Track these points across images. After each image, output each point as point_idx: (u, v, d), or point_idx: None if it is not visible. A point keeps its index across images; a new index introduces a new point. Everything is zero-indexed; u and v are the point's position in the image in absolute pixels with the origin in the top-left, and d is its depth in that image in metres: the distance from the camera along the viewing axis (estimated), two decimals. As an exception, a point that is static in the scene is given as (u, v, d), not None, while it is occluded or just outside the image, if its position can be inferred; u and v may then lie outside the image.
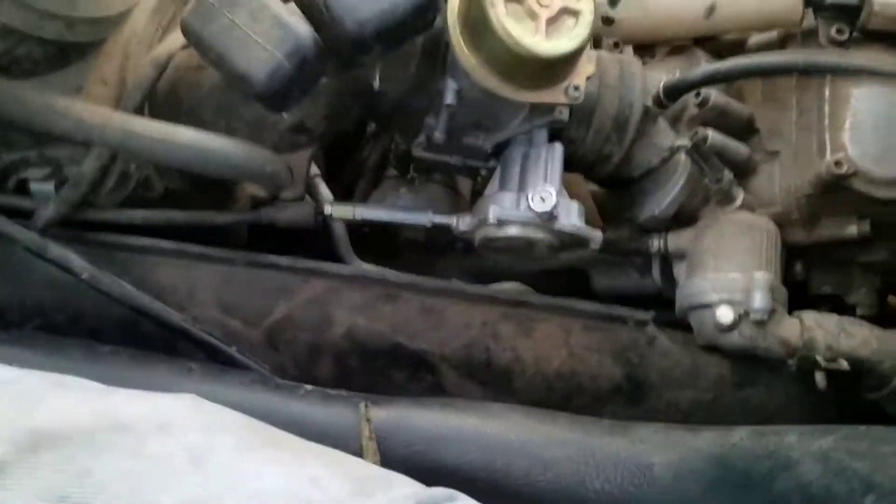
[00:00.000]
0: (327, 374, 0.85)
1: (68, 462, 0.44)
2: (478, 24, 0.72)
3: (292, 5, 0.73)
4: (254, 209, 0.91)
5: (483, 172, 0.93)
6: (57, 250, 0.80)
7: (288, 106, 0.74)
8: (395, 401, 0.75)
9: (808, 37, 0.89)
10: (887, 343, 0.80)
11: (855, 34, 0.86)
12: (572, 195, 0.97)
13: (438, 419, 0.72)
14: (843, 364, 0.78)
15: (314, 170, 0.97)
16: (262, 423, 0.56)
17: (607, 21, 0.90)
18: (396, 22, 0.70)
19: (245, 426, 0.54)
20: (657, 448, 0.69)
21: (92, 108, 0.77)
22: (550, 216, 0.77)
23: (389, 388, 0.85)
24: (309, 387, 0.76)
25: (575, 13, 0.73)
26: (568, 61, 0.74)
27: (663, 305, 0.92)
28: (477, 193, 1.07)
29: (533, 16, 0.72)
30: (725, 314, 0.80)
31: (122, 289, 0.80)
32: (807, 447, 0.64)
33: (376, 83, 0.76)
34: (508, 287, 1.04)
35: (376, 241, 1.05)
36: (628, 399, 0.87)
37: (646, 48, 0.98)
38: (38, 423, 0.46)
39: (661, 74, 0.90)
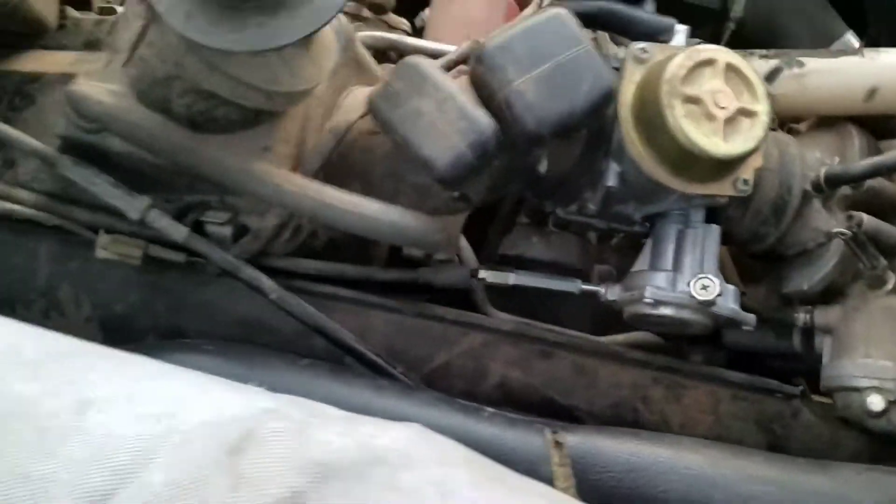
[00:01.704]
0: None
1: (347, 496, 0.44)
2: (652, 121, 0.72)
3: (474, 96, 0.74)
4: (409, 266, 0.93)
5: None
6: (249, 271, 0.83)
7: (462, 187, 0.75)
8: (580, 428, 0.75)
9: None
10: None
11: None
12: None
13: (632, 448, 0.72)
14: None
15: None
16: (479, 455, 0.56)
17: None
18: (574, 122, 0.71)
19: (469, 460, 0.54)
20: (864, 489, 0.69)
21: (288, 176, 0.79)
22: (711, 303, 0.76)
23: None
24: (491, 409, 0.76)
25: (751, 114, 0.71)
26: (741, 160, 0.72)
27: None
28: (602, 240, 1.07)
29: (710, 117, 0.71)
30: (876, 402, 0.79)
31: (304, 309, 0.83)
32: None
33: (543, 167, 0.76)
34: (638, 336, 1.03)
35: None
36: None
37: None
38: (318, 456, 0.46)
39: (816, 153, 0.88)
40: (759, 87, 0.72)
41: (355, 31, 1.07)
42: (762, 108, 0.71)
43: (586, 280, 0.90)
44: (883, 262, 0.83)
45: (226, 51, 0.67)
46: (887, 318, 0.83)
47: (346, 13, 1.13)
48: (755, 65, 0.88)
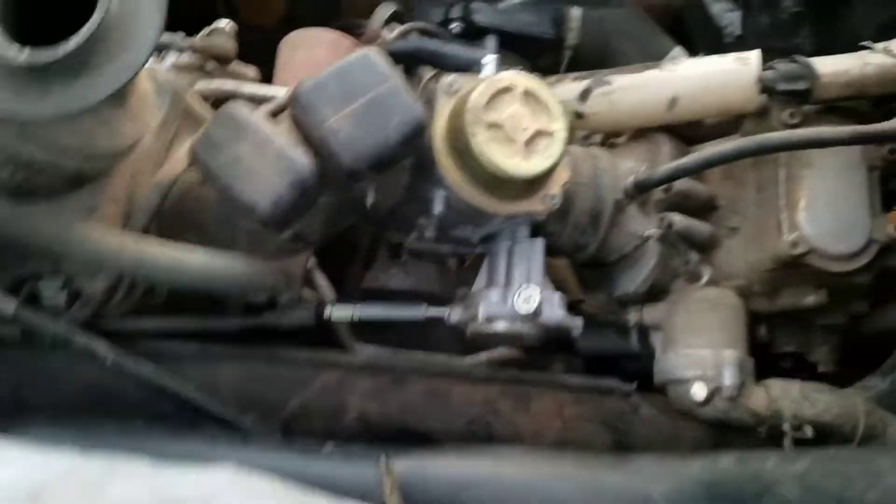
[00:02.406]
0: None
1: None
2: (461, 148, 0.75)
3: (294, 135, 0.75)
4: (254, 312, 0.92)
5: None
6: (82, 339, 0.80)
7: (289, 227, 0.76)
8: (413, 452, 0.76)
9: (763, 115, 0.93)
10: (847, 406, 0.83)
11: (810, 112, 0.90)
12: (552, 267, 1.00)
13: (456, 465, 0.74)
14: (809, 431, 0.81)
15: (311, 262, 0.99)
16: (296, 487, 0.57)
17: (578, 115, 0.93)
18: (388, 154, 0.72)
19: (281, 492, 0.55)
20: (654, 478, 0.72)
21: (106, 235, 0.77)
22: (535, 313, 0.79)
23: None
24: (330, 447, 0.77)
25: (549, 134, 0.75)
26: (545, 177, 0.76)
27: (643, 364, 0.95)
28: (461, 263, 1.10)
29: (511, 140, 0.74)
30: (699, 391, 0.83)
31: (143, 370, 0.81)
32: (785, 470, 0.69)
33: (370, 200, 0.78)
34: (501, 353, 1.06)
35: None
36: None
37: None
38: None
39: (629, 162, 0.93)
40: (556, 108, 0.76)
41: (192, 82, 1.07)
42: (559, 127, 0.75)
43: (450, 304, 0.91)
44: (695, 257, 0.88)
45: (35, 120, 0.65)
46: (704, 310, 0.88)
47: (188, 66, 1.12)
48: (569, 87, 0.94)
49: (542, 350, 0.99)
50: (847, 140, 0.82)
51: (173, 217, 0.84)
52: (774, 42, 1.02)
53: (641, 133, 0.98)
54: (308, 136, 0.74)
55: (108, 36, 0.64)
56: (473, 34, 1.16)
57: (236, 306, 0.97)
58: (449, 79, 0.79)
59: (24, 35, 0.63)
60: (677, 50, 1.22)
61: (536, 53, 1.22)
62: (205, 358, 0.87)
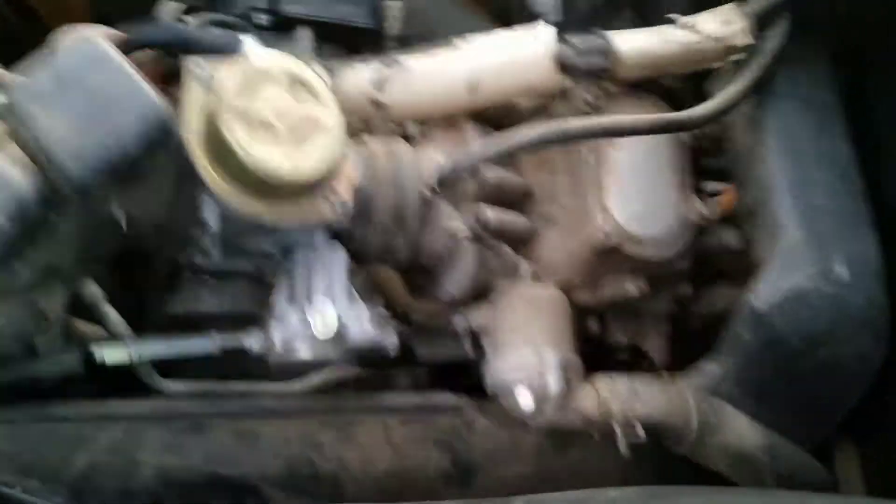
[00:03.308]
0: (146, 517, 0.74)
1: None
2: (220, 148, 0.62)
3: (13, 150, 0.60)
4: (8, 363, 0.75)
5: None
6: None
7: (14, 262, 0.62)
8: None
9: (568, 97, 0.86)
10: (677, 402, 0.77)
11: (613, 91, 0.83)
12: (377, 275, 0.89)
13: None
14: (640, 433, 0.74)
15: (97, 293, 0.83)
16: None
17: (378, 105, 0.82)
18: (125, 160, 0.59)
19: None
20: None
21: None
22: (338, 335, 0.67)
23: (216, 519, 0.75)
24: None
25: (321, 126, 0.65)
26: (325, 177, 0.64)
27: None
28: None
29: (276, 134, 0.63)
30: (525, 399, 0.75)
31: None
32: None
33: (122, 220, 0.64)
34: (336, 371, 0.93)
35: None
36: (459, 482, 0.81)
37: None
38: None
39: (437, 154, 0.83)
40: (326, 95, 0.66)
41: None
42: (333, 118, 0.65)
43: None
44: (509, 252, 0.80)
45: None
46: (526, 308, 0.80)
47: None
48: (360, 73, 0.82)
49: (380, 365, 0.88)
50: (646, 129, 0.76)
51: None
52: (596, 27, 0.95)
53: (450, 122, 0.88)
54: (28, 149, 0.59)
55: None
56: (283, 26, 1.03)
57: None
58: (196, 60, 0.66)
59: None
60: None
61: (358, 45, 1.10)
62: None
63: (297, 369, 0.81)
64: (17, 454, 0.73)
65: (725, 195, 0.85)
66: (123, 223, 0.65)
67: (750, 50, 0.81)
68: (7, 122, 0.60)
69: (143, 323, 0.89)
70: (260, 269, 0.80)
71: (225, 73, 0.62)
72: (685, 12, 0.83)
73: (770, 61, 0.80)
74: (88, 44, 0.60)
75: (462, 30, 1.17)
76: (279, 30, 1.01)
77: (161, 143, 0.61)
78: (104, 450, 0.75)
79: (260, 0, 1.00)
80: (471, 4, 1.21)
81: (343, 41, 1.07)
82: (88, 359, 0.75)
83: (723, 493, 0.70)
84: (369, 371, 0.93)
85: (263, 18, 0.99)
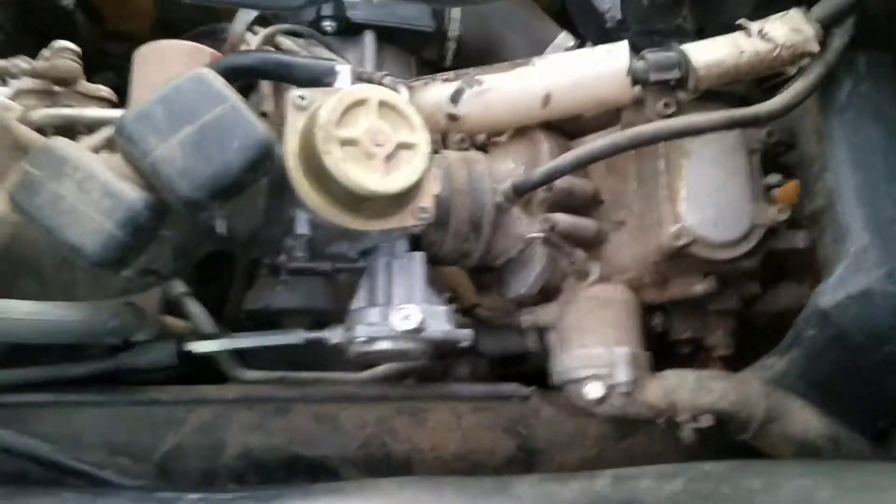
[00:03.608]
0: (226, 496, 0.80)
1: None
2: (317, 168, 0.67)
3: (122, 165, 0.66)
4: (112, 354, 0.83)
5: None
6: None
7: (127, 266, 0.68)
8: (284, 493, 0.70)
9: (641, 105, 0.87)
10: (743, 392, 0.81)
11: (688, 100, 0.85)
12: (446, 273, 0.94)
13: None
14: (707, 420, 0.78)
15: (182, 287, 0.90)
16: None
17: (452, 118, 0.85)
18: (231, 181, 0.64)
19: None
20: (532, 503, 0.68)
21: None
22: (417, 330, 0.72)
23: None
24: (193, 495, 0.69)
25: (411, 146, 0.68)
26: (412, 191, 0.69)
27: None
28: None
29: (370, 155, 0.67)
30: (594, 390, 0.80)
31: None
32: (658, 491, 0.65)
33: (221, 228, 0.70)
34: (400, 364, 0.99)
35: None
36: (524, 467, 0.87)
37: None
38: None
39: (508, 164, 0.87)
40: (416, 119, 0.70)
41: (31, 111, 0.95)
42: (421, 139, 0.69)
43: (341, 319, 0.83)
44: (580, 255, 0.84)
45: None
46: (595, 308, 0.84)
47: (34, 91, 1.00)
48: (439, 90, 0.86)
49: (443, 356, 0.94)
50: (718, 126, 0.78)
51: (7, 262, 0.74)
52: (655, 24, 0.96)
53: (521, 132, 0.91)
54: (138, 168, 0.65)
55: None
56: (349, 31, 1.07)
57: (97, 349, 0.88)
58: (298, 93, 0.71)
59: None
60: (563, 36, 1.16)
61: (418, 47, 1.14)
62: (62, 406, 0.79)
63: (371, 362, 0.88)
64: (111, 435, 0.80)
65: (788, 186, 0.88)
66: (224, 230, 0.71)
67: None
68: (119, 143, 0.66)
69: (222, 317, 0.97)
70: (337, 269, 0.86)
71: (324, 103, 0.67)
72: (749, 13, 0.84)
73: (835, 60, 0.81)
74: (200, 78, 0.65)
75: (520, 30, 1.20)
76: (345, 34, 1.06)
77: (263, 165, 0.66)
78: (192, 431, 0.81)
79: (325, 7, 1.05)
80: (532, 7, 1.22)
81: (404, 43, 1.11)
82: (181, 350, 0.82)
83: (828, 466, 0.71)
84: (432, 361, 1.00)
85: (330, 25, 1.04)
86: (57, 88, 1.01)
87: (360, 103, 0.68)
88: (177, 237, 0.71)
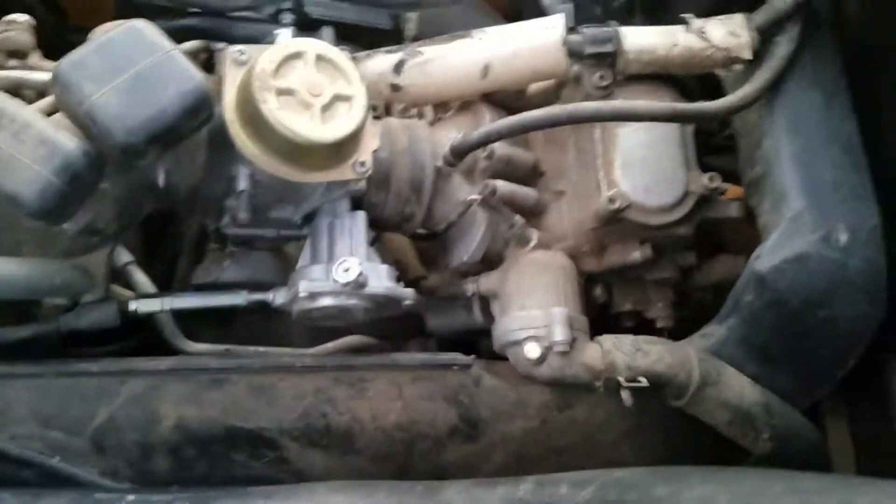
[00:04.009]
0: (164, 469, 0.80)
1: None
2: (254, 118, 0.69)
3: (60, 117, 0.67)
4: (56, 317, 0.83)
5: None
6: None
7: (67, 218, 0.68)
8: (220, 496, 0.71)
9: (578, 82, 0.91)
10: (679, 356, 0.82)
11: (619, 78, 0.88)
12: (392, 246, 0.95)
13: None
14: (644, 381, 0.80)
15: (127, 257, 0.90)
16: None
17: (395, 88, 0.88)
18: (167, 127, 0.66)
19: None
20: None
21: None
22: (358, 284, 0.74)
23: (232, 470, 0.81)
24: (132, 496, 0.70)
25: (347, 98, 0.70)
26: (349, 143, 0.71)
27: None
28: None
29: (306, 105, 0.69)
30: (532, 349, 0.81)
31: None
32: (573, 498, 0.68)
33: (160, 180, 0.71)
34: (350, 340, 1.00)
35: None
36: (466, 437, 0.87)
37: (439, 106, 0.96)
38: None
39: (452, 132, 0.89)
40: (353, 73, 0.72)
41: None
42: (358, 92, 0.71)
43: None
44: (520, 220, 0.86)
45: None
46: (535, 272, 0.86)
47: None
48: (382, 59, 0.89)
49: (393, 336, 0.95)
50: (660, 116, 0.82)
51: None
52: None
53: (465, 106, 0.94)
54: (74, 116, 0.66)
55: None
56: (308, 27, 1.10)
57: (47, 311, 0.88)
58: (238, 47, 0.73)
59: None
60: None
61: (376, 45, 1.16)
62: None
63: (315, 323, 0.88)
64: (42, 407, 0.78)
65: (731, 192, 0.91)
66: (161, 182, 0.72)
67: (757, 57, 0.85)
68: (57, 91, 0.67)
69: (170, 290, 0.97)
70: (282, 236, 0.87)
71: (261, 55, 0.69)
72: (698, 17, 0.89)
73: (783, 65, 0.85)
74: (135, 28, 0.66)
75: (471, 24, 1.24)
76: (303, 30, 1.09)
77: (200, 112, 0.67)
78: (125, 403, 0.80)
79: (285, 1, 1.08)
80: (487, 9, 1.26)
81: (362, 41, 1.15)
82: (125, 311, 0.82)
83: (730, 473, 0.73)
84: (381, 342, 1.00)
85: (289, 19, 1.07)
86: (11, 63, 1.02)
87: (297, 56, 0.70)
88: (117, 190, 0.72)
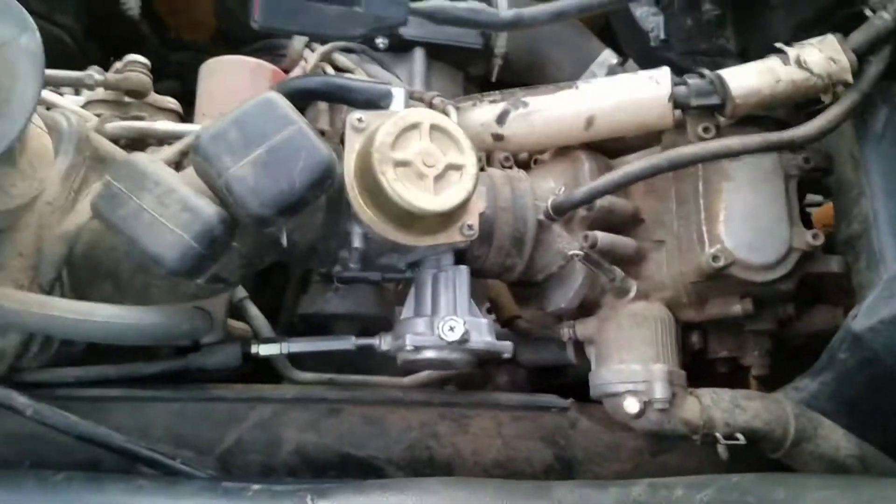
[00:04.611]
0: (282, 491, 0.87)
1: None
2: (372, 187, 0.74)
3: (200, 184, 0.74)
4: (180, 355, 0.92)
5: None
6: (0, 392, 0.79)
7: (201, 275, 0.75)
8: (336, 489, 0.76)
9: (682, 128, 0.93)
10: (776, 412, 0.85)
11: (725, 125, 0.90)
12: (489, 287, 1.00)
13: (378, 501, 0.74)
14: (741, 438, 0.83)
15: (242, 293, 0.98)
16: None
17: (498, 138, 0.92)
18: (297, 200, 0.72)
19: None
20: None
21: (10, 294, 0.76)
22: (462, 341, 0.79)
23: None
24: (256, 486, 0.76)
25: (459, 167, 0.75)
26: (460, 209, 0.76)
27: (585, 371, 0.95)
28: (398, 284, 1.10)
29: (421, 176, 0.74)
30: (632, 404, 0.84)
31: (66, 419, 0.80)
32: (691, 499, 0.70)
33: (284, 241, 0.77)
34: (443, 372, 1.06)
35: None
36: (560, 476, 0.92)
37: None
38: None
39: (550, 182, 0.93)
40: (464, 142, 0.76)
41: (106, 122, 1.05)
42: (468, 161, 0.75)
43: (388, 324, 0.92)
44: (620, 273, 0.89)
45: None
46: (634, 324, 0.89)
47: (105, 101, 1.11)
48: (486, 110, 0.93)
49: (483, 364, 1.00)
50: (754, 149, 0.83)
51: (86, 266, 0.83)
52: (699, 44, 1.02)
53: (563, 151, 0.98)
54: (212, 185, 0.73)
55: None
56: (401, 48, 1.16)
57: (165, 349, 0.97)
58: (356, 115, 0.79)
59: None
60: (606, 53, 1.22)
61: (466, 63, 1.21)
62: (133, 401, 0.87)
63: (417, 369, 0.95)
64: (177, 429, 0.87)
65: (826, 208, 0.92)
66: (284, 241, 0.79)
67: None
68: (196, 159, 0.74)
69: (277, 320, 1.06)
70: (386, 279, 0.94)
71: (380, 126, 0.74)
72: (789, 34, 0.89)
73: (870, 87, 0.86)
74: (268, 101, 0.72)
75: (565, 47, 1.27)
76: (396, 51, 1.15)
77: (324, 184, 0.73)
78: (252, 427, 0.88)
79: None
80: (576, 24, 1.28)
81: (453, 60, 1.19)
82: (245, 352, 0.90)
83: (847, 480, 0.76)
84: (473, 370, 1.06)
85: (382, 42, 1.12)
86: (127, 99, 1.11)
87: (413, 126, 0.75)
88: (244, 248, 0.79)
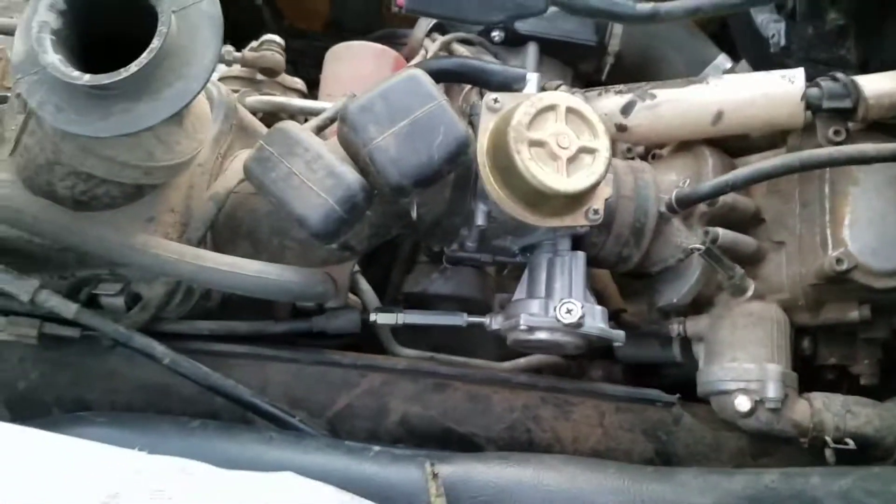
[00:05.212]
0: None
1: None
2: (505, 165, 0.78)
3: (342, 153, 0.79)
4: (303, 316, 0.97)
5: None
6: (141, 339, 0.86)
7: (338, 240, 0.80)
8: (457, 457, 0.79)
9: (809, 130, 0.94)
10: (888, 420, 0.84)
11: (854, 129, 0.91)
12: (594, 276, 1.03)
13: (499, 472, 0.76)
14: (851, 443, 0.83)
15: (356, 267, 1.03)
16: (352, 496, 0.61)
17: (621, 128, 0.94)
18: (433, 172, 0.76)
19: (335, 500, 0.58)
20: (697, 492, 0.74)
21: (166, 245, 0.82)
22: (577, 324, 0.82)
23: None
24: (377, 447, 0.80)
25: (592, 151, 0.78)
26: (588, 193, 0.79)
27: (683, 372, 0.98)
28: (501, 270, 1.13)
29: (554, 157, 0.77)
30: (743, 403, 0.85)
31: (198, 370, 0.86)
32: (828, 487, 0.71)
33: (414, 213, 0.81)
34: (539, 358, 1.09)
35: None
36: None
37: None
38: None
39: (672, 175, 0.95)
40: (599, 126, 0.79)
41: (244, 96, 1.12)
42: (602, 145, 0.78)
43: (488, 308, 0.95)
44: (739, 271, 0.90)
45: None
46: (749, 323, 0.90)
47: (238, 77, 1.18)
48: (611, 100, 0.96)
49: (580, 356, 1.03)
50: (888, 157, 0.83)
51: (227, 226, 0.89)
52: (819, 53, 1.02)
53: (685, 146, 0.99)
54: (355, 154, 0.78)
55: (167, 63, 0.68)
56: (515, 42, 1.19)
57: (285, 311, 1.03)
58: (492, 96, 0.82)
59: (91, 61, 0.69)
60: (721, 58, 1.23)
61: (578, 60, 1.24)
62: (256, 359, 0.93)
63: (524, 350, 0.97)
64: (291, 388, 0.92)
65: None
66: (414, 214, 0.83)
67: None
68: (342, 128, 0.79)
69: (383, 296, 1.11)
70: (497, 262, 0.97)
71: (518, 106, 0.78)
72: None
73: None
74: (414, 78, 0.77)
75: (679, 49, 1.28)
76: (510, 45, 1.18)
77: (459, 159, 0.77)
78: (362, 393, 0.93)
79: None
80: (691, 26, 1.29)
81: (564, 56, 1.22)
82: (364, 320, 0.95)
83: None
84: (567, 360, 1.09)
85: (498, 35, 1.16)
86: (259, 77, 1.18)
87: (550, 108, 0.78)
88: (375, 218, 0.83)
